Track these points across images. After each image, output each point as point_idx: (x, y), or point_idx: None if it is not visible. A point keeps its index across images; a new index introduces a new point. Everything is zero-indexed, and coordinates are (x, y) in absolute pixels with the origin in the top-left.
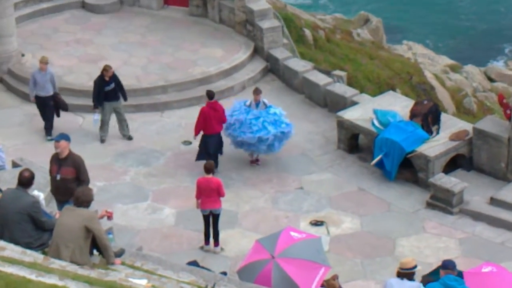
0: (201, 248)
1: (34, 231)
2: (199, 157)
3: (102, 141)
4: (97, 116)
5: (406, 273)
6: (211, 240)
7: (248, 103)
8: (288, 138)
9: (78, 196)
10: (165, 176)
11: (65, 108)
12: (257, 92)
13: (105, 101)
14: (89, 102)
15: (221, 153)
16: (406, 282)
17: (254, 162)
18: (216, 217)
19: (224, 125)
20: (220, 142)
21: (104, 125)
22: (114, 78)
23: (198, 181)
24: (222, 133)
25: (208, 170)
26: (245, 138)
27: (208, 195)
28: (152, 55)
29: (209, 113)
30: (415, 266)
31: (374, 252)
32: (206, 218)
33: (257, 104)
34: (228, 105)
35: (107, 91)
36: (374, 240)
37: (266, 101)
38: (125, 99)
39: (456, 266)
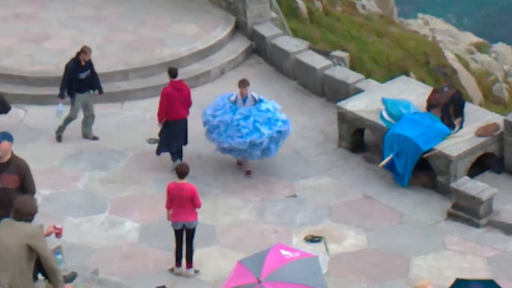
0: (171, 270)
1: None
2: (161, 149)
3: (59, 138)
4: (61, 108)
5: None
6: (183, 260)
7: (233, 98)
8: (285, 137)
9: (19, 207)
10: (127, 182)
11: (6, 110)
12: (243, 84)
13: (77, 92)
14: (32, 91)
15: (185, 143)
16: None
17: (249, 172)
18: (190, 232)
19: (206, 128)
20: (186, 130)
21: (69, 121)
22: (90, 64)
23: (168, 187)
24: (204, 137)
25: (182, 173)
26: (234, 144)
27: (180, 205)
28: (110, 33)
29: (173, 94)
30: None
31: (384, 275)
32: (178, 233)
33: (245, 100)
34: (204, 95)
35: (81, 79)
36: (384, 259)
37: (255, 94)
38: (101, 91)
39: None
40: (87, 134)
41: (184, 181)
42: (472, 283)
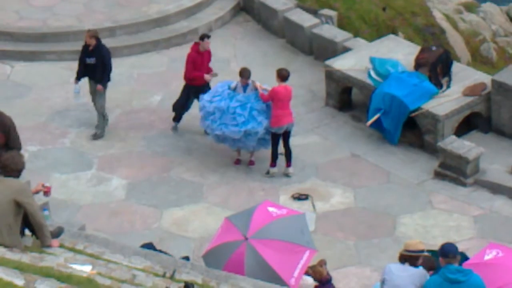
0: (267, 173)
1: None
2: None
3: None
4: (77, 90)
5: (409, 256)
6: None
7: (233, 85)
8: None
9: (6, 163)
10: (114, 139)
11: None
12: (244, 75)
13: (87, 76)
14: (19, 47)
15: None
16: (408, 268)
17: (248, 162)
18: (288, 134)
19: (201, 113)
20: None
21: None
22: (97, 51)
23: (277, 90)
24: (199, 124)
25: (286, 76)
26: (228, 133)
27: (284, 107)
28: None
29: None
30: (422, 251)
31: (371, 233)
32: (278, 137)
33: (245, 87)
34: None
35: (87, 64)
36: (371, 217)
37: (258, 83)
38: (99, 82)
39: (457, 249)
40: (94, 135)
41: (287, 83)
42: (447, 247)
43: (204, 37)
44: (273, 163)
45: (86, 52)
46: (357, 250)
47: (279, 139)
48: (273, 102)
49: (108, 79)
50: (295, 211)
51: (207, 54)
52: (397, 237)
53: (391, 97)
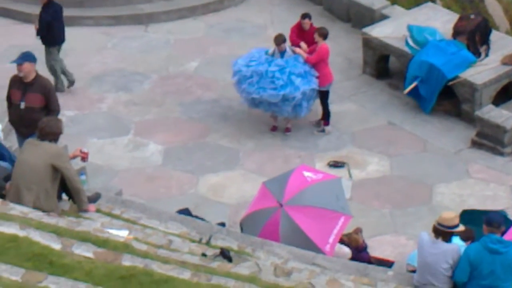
0: (321, 131)
1: None
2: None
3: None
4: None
5: (442, 231)
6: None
7: (271, 51)
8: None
9: (42, 127)
10: (150, 104)
11: None
12: (278, 41)
13: None
14: None
15: None
16: (440, 245)
17: (285, 129)
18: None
19: (235, 78)
20: None
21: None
22: (44, 10)
23: (325, 48)
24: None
25: (327, 35)
26: (266, 96)
27: (328, 64)
28: None
29: None
30: (457, 226)
31: (407, 201)
32: (328, 95)
33: (282, 54)
34: (229, 19)
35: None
36: (407, 186)
37: (298, 49)
38: (43, 41)
39: (503, 220)
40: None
41: None
42: (493, 215)
43: (302, 16)
44: (327, 121)
45: None
46: (392, 218)
47: (328, 96)
48: (322, 61)
49: (53, 41)
50: (331, 175)
51: (309, 35)
52: (433, 206)
53: (428, 65)
